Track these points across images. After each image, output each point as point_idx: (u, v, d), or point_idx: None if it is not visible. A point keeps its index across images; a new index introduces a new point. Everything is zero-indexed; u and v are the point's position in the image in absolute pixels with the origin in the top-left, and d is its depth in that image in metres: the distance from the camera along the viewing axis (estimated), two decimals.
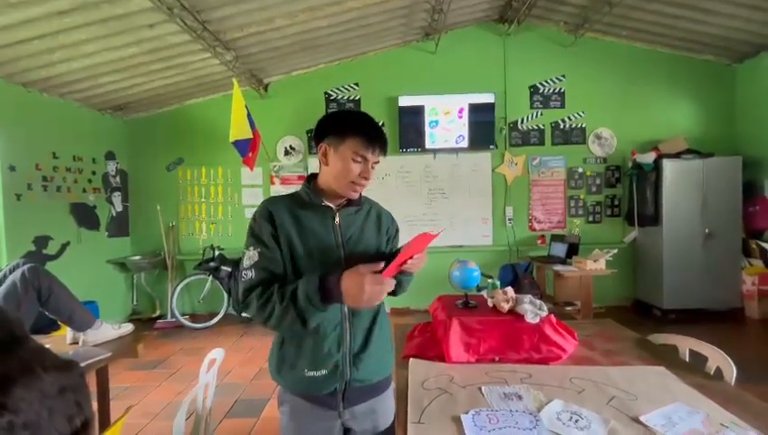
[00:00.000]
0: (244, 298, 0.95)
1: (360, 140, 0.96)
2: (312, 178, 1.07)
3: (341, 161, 0.97)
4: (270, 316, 0.91)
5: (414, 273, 1.02)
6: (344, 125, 0.98)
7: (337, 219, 1.02)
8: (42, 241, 3.53)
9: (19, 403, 0.77)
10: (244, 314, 0.94)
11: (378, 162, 1.01)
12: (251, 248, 0.97)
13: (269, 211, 0.98)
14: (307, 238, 0.98)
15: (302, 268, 0.97)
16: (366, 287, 0.84)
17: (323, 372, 0.97)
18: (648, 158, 4.17)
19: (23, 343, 0.84)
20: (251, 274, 0.95)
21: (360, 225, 1.06)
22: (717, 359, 1.36)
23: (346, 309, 1.00)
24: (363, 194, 1.08)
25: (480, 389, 1.19)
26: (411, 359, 1.44)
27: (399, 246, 1.07)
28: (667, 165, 4.08)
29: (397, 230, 1.17)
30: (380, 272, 0.88)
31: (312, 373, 0.97)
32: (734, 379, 1.27)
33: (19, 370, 0.79)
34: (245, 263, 0.96)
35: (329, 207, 1.02)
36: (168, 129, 4.66)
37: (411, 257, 0.94)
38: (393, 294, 1.12)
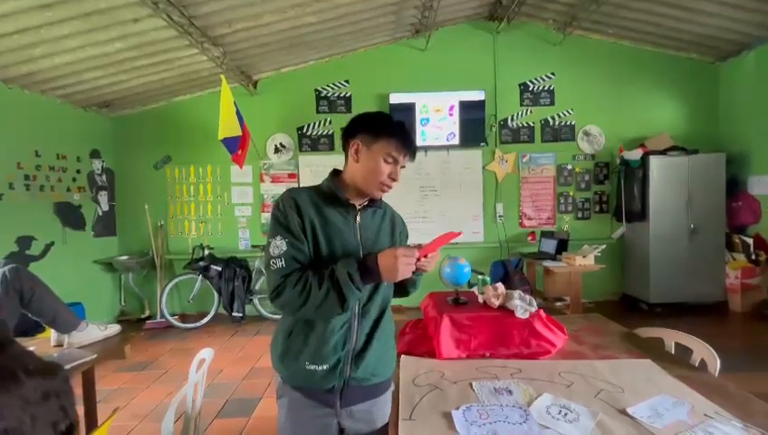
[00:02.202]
0: (276, 285, 0.95)
1: (394, 141, 0.99)
2: (336, 173, 1.08)
3: (373, 160, 0.99)
4: (306, 300, 0.93)
5: (428, 271, 1.04)
6: (380, 125, 1.01)
7: (358, 218, 1.04)
8: (25, 242, 3.44)
9: (0, 410, 0.75)
10: (274, 300, 0.96)
11: (404, 167, 1.03)
12: (278, 238, 0.97)
13: (295, 202, 0.99)
14: (330, 234, 0.99)
15: (324, 263, 0.98)
16: (400, 259, 0.91)
17: (324, 367, 0.98)
18: (635, 154, 4.23)
19: (6, 348, 0.81)
20: (281, 262, 0.95)
21: (377, 226, 1.08)
22: (702, 351, 1.39)
23: (357, 308, 1.01)
24: None
25: (471, 384, 1.20)
26: (402, 356, 1.44)
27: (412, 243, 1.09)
28: (654, 162, 4.15)
29: (407, 236, 1.19)
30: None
31: (312, 367, 0.98)
32: (717, 370, 1.30)
33: (0, 375, 0.76)
34: (273, 251, 0.97)
35: (353, 205, 1.03)
36: (155, 126, 4.58)
37: (433, 251, 0.99)
38: (405, 293, 1.16)
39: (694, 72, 4.60)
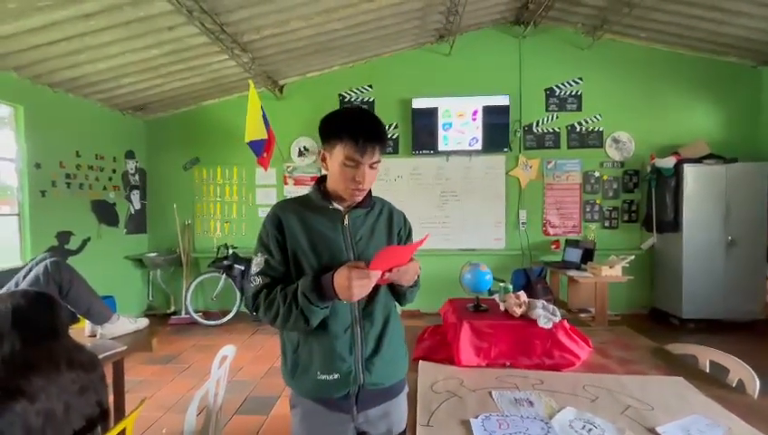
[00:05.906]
0: (252, 302, 0.99)
1: (348, 144, 0.93)
2: (323, 180, 1.07)
3: (336, 167, 0.96)
4: (276, 316, 0.94)
5: (405, 284, 1.01)
6: (334, 130, 0.96)
7: (346, 221, 1.02)
8: (64, 236, 3.64)
9: (37, 392, 0.80)
10: (255, 315, 1.02)
11: (377, 162, 0.97)
12: (258, 255, 1.00)
13: (278, 217, 1.00)
14: (316, 242, 0.98)
15: (313, 271, 0.97)
16: (354, 281, 0.86)
17: (336, 375, 0.96)
18: (668, 162, 4.06)
19: (58, 338, 0.87)
20: (258, 280, 0.98)
21: (371, 225, 1.05)
22: (740, 371, 1.31)
23: (357, 313, 1.00)
24: (376, 194, 1.08)
25: (490, 393, 1.18)
26: (421, 361, 1.43)
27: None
28: (688, 170, 3.97)
29: (410, 230, 1.16)
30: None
31: (324, 377, 0.96)
32: (756, 392, 1.22)
33: (45, 361, 0.82)
34: (253, 269, 1.00)
35: (337, 209, 1.02)
36: (185, 129, 4.76)
37: (395, 267, 0.93)
38: (399, 303, 1.12)
39: (733, 76, 4.38)
